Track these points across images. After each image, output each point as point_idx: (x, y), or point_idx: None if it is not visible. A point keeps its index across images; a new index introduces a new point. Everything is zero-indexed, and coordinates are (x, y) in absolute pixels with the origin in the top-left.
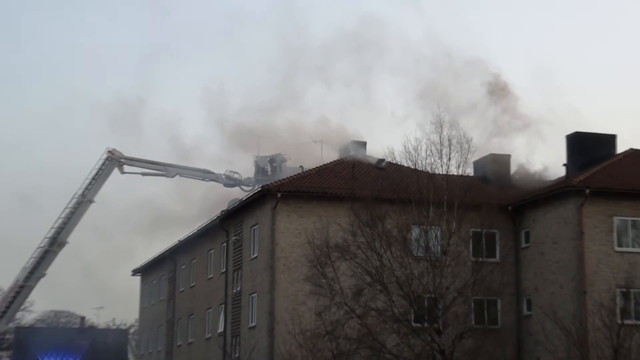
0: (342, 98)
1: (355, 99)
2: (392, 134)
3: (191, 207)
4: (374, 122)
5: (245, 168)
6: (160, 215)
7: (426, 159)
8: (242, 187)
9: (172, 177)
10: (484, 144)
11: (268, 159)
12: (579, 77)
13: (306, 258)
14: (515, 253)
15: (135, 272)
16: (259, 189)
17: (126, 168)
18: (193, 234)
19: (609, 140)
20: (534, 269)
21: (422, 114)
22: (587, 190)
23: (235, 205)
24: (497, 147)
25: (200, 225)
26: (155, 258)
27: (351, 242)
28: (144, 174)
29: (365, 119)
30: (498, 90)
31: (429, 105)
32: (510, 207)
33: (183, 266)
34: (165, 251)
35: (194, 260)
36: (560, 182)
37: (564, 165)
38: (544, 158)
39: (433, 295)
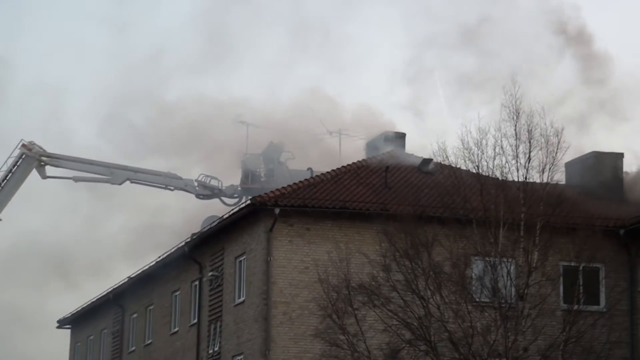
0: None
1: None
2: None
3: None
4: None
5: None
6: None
7: (494, 159)
8: (223, 199)
9: (120, 183)
10: (581, 139)
11: (261, 157)
12: None
13: (317, 304)
14: (630, 298)
15: (61, 323)
16: (248, 201)
17: (50, 170)
18: (150, 268)
19: None
20: None
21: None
22: None
23: (213, 226)
24: (601, 142)
25: (160, 255)
26: (92, 303)
27: (383, 281)
28: (76, 179)
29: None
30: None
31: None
32: (622, 231)
33: (134, 315)
34: (107, 293)
35: (151, 307)
36: None
37: None
38: None
39: None
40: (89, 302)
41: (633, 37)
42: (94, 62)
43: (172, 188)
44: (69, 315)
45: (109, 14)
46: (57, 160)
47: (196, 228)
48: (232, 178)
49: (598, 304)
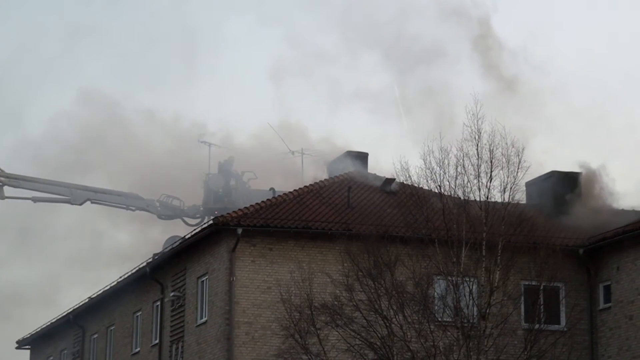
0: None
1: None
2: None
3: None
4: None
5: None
6: (61, 257)
7: (456, 178)
8: (186, 219)
9: (81, 204)
10: (542, 156)
11: (221, 175)
12: None
13: (279, 324)
14: (589, 317)
15: (21, 344)
16: (210, 221)
17: (8, 190)
18: (110, 288)
19: None
20: (619, 341)
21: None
22: None
23: (175, 246)
24: (561, 160)
25: (121, 275)
26: (52, 323)
27: (346, 300)
28: (35, 200)
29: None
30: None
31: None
32: (582, 250)
33: (95, 335)
34: (67, 313)
35: (112, 327)
36: None
37: None
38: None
39: None
40: (49, 323)
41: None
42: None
43: (133, 208)
44: (29, 335)
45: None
46: (15, 180)
47: (157, 248)
48: (194, 198)
49: (559, 323)
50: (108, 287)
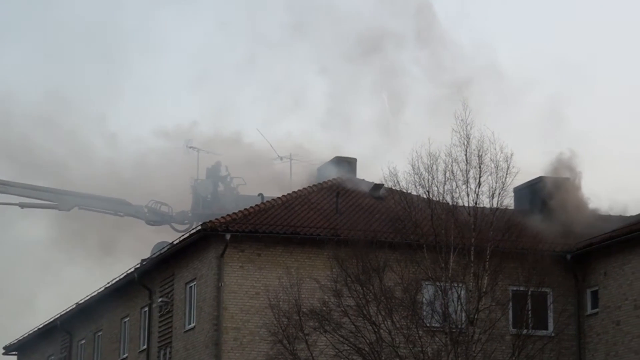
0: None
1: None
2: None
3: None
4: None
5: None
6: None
7: (445, 184)
8: (174, 225)
9: (69, 209)
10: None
11: (210, 180)
12: None
13: (267, 330)
14: (577, 323)
15: (8, 350)
16: (198, 227)
17: None
18: (98, 294)
19: None
20: (606, 347)
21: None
22: None
23: (163, 252)
24: (550, 167)
25: (109, 281)
26: (39, 329)
27: (334, 306)
28: (22, 206)
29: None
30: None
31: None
32: (569, 256)
33: (82, 341)
34: (54, 319)
35: (100, 333)
36: None
37: None
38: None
39: None
40: (36, 328)
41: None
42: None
43: (121, 214)
44: (15, 341)
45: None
46: (2, 185)
47: (145, 254)
48: (182, 204)
49: (546, 328)
50: (95, 293)
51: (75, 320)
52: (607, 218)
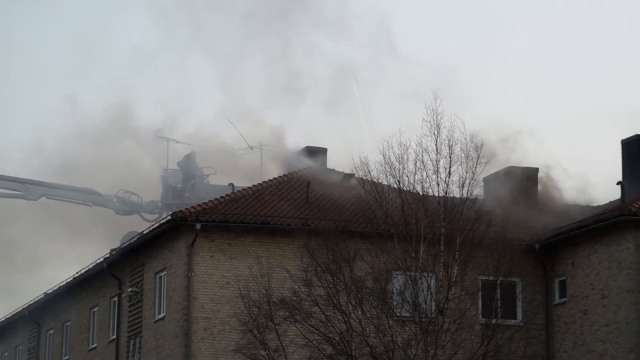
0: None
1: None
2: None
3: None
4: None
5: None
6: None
7: (415, 174)
8: (143, 214)
9: (36, 199)
10: (500, 152)
11: (180, 171)
12: None
13: (238, 319)
14: (545, 312)
15: None
16: (168, 217)
17: None
18: (67, 284)
19: None
20: (574, 336)
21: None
22: None
23: (132, 241)
24: (520, 156)
25: (78, 271)
26: (6, 319)
27: (305, 295)
28: None
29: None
30: None
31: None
32: (537, 246)
33: (51, 331)
34: (22, 309)
35: (68, 323)
36: (613, 208)
37: (619, 183)
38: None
39: None
40: (4, 318)
41: None
42: None
43: (90, 204)
44: None
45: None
46: None
47: (114, 243)
48: (152, 194)
49: (515, 317)
50: (64, 283)
51: (44, 310)
52: (576, 208)
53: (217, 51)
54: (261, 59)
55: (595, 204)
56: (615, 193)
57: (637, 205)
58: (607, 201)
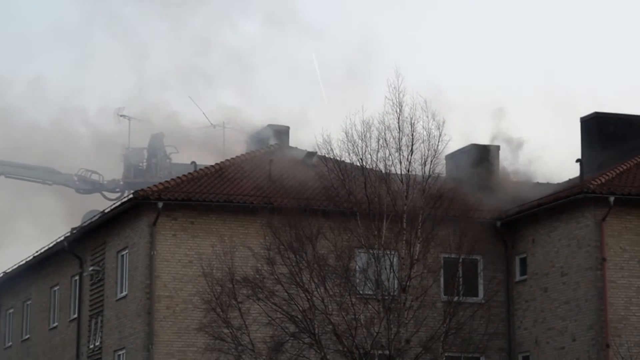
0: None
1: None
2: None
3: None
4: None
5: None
6: None
7: (378, 152)
8: (104, 193)
9: None
10: (461, 130)
11: (144, 149)
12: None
13: (200, 298)
14: (506, 290)
15: None
16: (130, 195)
17: None
18: (27, 262)
19: None
20: (534, 313)
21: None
22: (612, 198)
23: (94, 220)
24: (482, 134)
25: (38, 249)
26: None
27: (267, 274)
28: None
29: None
30: None
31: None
32: (499, 223)
33: (10, 310)
34: None
35: (29, 302)
36: (572, 185)
37: (578, 161)
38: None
39: (387, 352)
40: None
41: None
42: None
43: (50, 183)
44: None
45: None
46: None
47: (75, 222)
48: (114, 172)
49: (477, 295)
50: (23, 262)
51: (4, 289)
52: (538, 186)
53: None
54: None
55: (555, 182)
56: (574, 171)
57: (595, 183)
58: (566, 179)
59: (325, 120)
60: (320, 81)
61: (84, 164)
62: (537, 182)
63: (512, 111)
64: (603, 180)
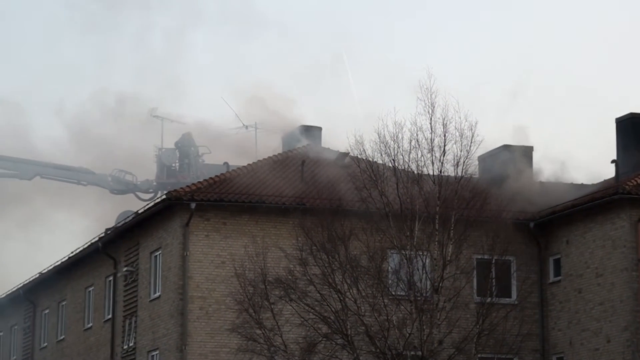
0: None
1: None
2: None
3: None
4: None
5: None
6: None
7: (410, 153)
8: (138, 194)
9: (30, 178)
10: (495, 131)
11: (176, 151)
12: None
13: (233, 299)
14: (540, 291)
15: None
16: (163, 196)
17: None
18: (62, 263)
19: None
20: (569, 314)
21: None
22: None
23: (127, 221)
24: (515, 135)
25: (73, 250)
26: (1, 299)
27: (300, 274)
28: None
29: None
30: None
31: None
32: (532, 224)
33: (46, 311)
34: (17, 288)
35: (64, 302)
36: (607, 187)
37: (614, 162)
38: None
39: (420, 353)
40: None
41: None
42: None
43: (84, 183)
44: None
45: None
46: None
47: (109, 223)
48: (148, 173)
49: (510, 296)
50: (59, 262)
51: (39, 289)
52: (572, 186)
53: None
54: None
55: (590, 183)
56: (609, 171)
57: (631, 184)
58: (601, 179)
59: (357, 121)
60: (351, 80)
61: (118, 164)
62: (572, 183)
63: (544, 111)
64: (639, 180)
